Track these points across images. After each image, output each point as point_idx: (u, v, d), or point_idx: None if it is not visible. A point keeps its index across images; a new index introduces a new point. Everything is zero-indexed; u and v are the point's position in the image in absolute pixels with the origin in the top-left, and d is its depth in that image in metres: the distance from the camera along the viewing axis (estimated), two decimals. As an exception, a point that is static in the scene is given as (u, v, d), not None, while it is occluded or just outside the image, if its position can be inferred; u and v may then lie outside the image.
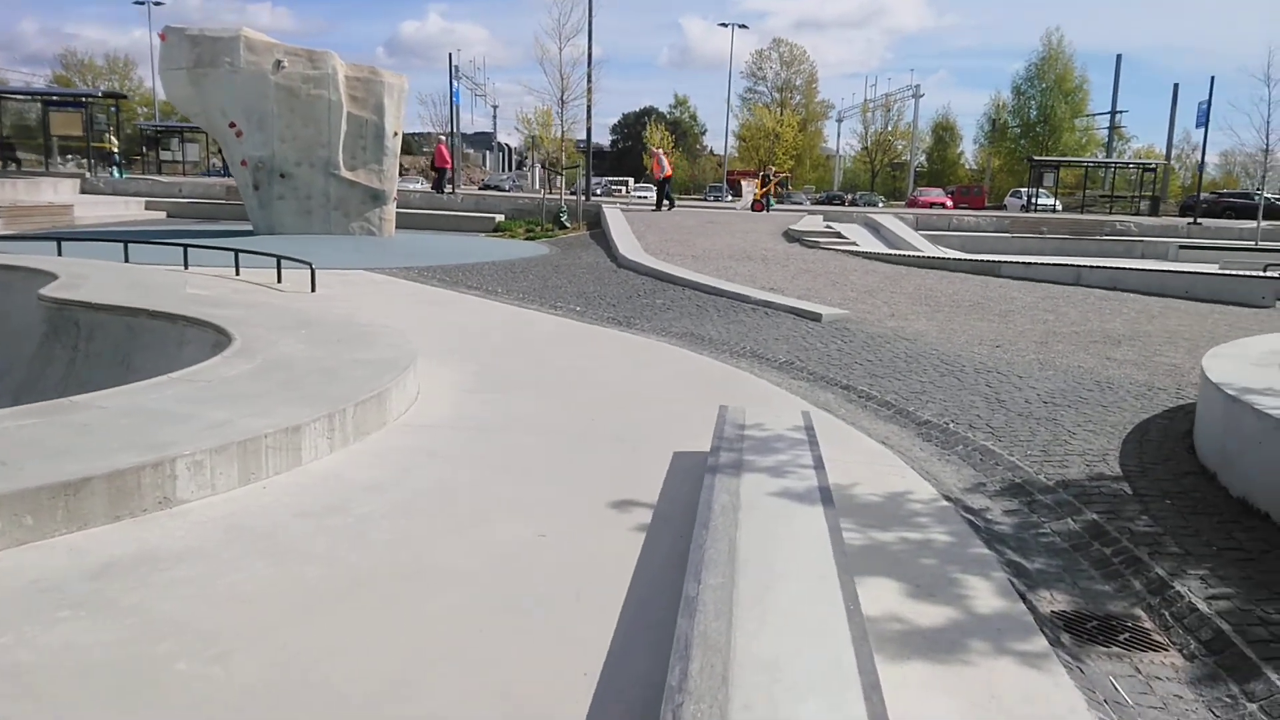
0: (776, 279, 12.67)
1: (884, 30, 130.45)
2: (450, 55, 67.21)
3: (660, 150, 26.62)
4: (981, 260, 14.60)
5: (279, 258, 10.51)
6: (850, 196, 55.25)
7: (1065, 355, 8.29)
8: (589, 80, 22.38)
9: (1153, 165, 40.70)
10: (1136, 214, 34.21)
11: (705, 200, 44.11)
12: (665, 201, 23.32)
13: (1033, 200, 37.89)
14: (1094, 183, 41.50)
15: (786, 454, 4.06)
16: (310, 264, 10.17)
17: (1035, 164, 39.30)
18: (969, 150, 73.09)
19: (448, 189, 26.63)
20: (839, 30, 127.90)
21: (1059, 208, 38.86)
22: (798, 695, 2.17)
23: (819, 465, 3.89)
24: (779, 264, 14.20)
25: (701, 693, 2.10)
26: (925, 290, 12.33)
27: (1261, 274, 13.26)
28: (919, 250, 16.17)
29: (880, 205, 46.71)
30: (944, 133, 73.55)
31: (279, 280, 10.45)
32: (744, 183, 33.03)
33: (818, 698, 2.15)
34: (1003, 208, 41.95)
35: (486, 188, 43.62)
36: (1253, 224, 22.66)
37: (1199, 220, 25.40)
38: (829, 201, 51.76)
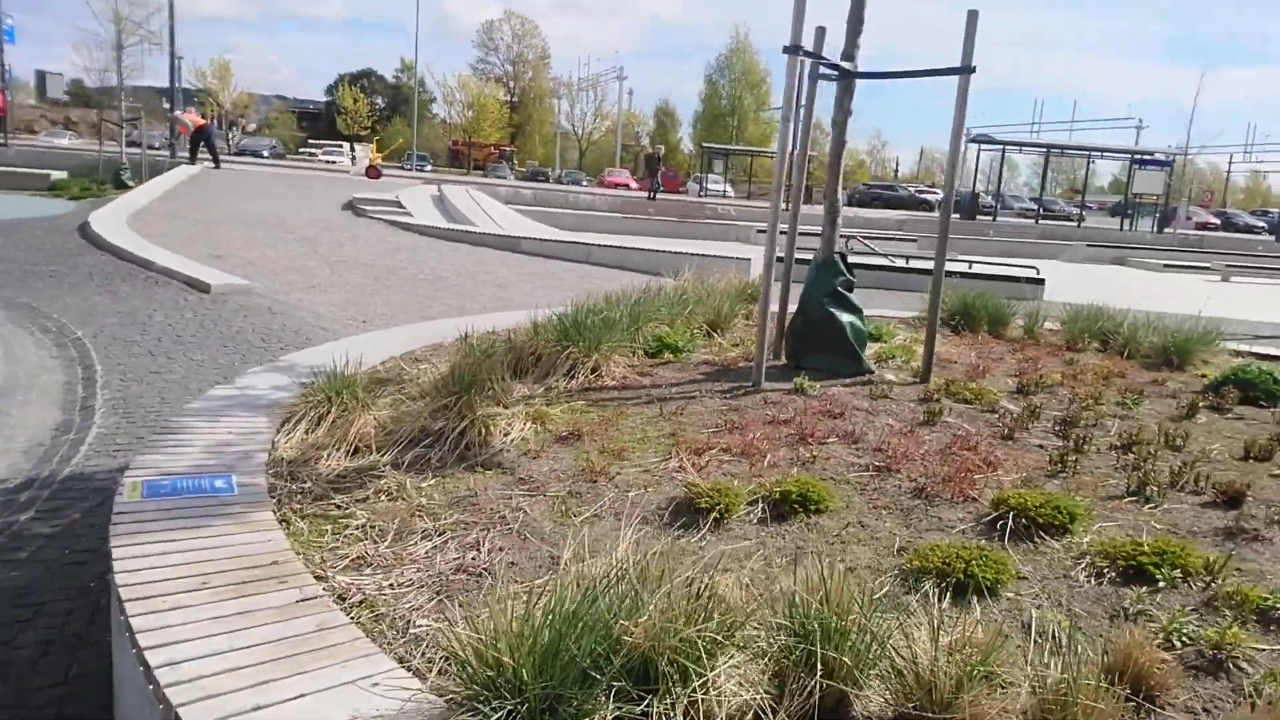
0: (256, 246, 11.85)
1: (638, 18, 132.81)
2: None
3: (190, 108, 25.82)
4: (504, 236, 14.61)
5: None
6: (557, 174, 55.99)
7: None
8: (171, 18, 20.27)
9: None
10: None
11: (404, 168, 42.53)
12: (202, 157, 22.49)
13: (704, 185, 39.86)
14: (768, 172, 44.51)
15: None
16: None
17: (706, 150, 41.31)
18: (687, 135, 76.58)
19: (-1, 138, 23.31)
20: (594, 16, 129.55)
21: (729, 193, 41.24)
22: None
23: None
24: (288, 231, 13.40)
25: None
26: (404, 263, 12.02)
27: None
28: (472, 226, 15.96)
29: (584, 183, 48.07)
30: (665, 118, 76.73)
31: None
32: (357, 147, 31.89)
33: None
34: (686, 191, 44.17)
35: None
36: (899, 214, 25.12)
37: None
38: (533, 178, 52.08)
